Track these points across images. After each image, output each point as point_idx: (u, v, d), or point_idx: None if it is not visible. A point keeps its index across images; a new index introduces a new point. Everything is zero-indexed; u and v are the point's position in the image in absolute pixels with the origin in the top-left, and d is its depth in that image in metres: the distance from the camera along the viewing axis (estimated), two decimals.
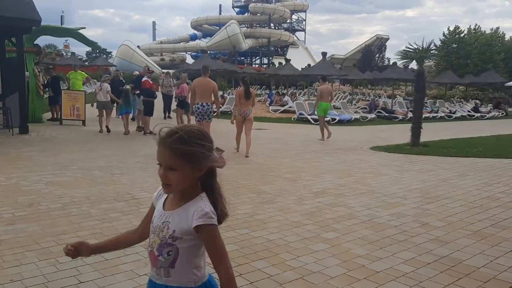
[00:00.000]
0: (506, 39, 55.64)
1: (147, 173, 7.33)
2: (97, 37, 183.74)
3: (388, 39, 77.98)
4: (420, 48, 11.85)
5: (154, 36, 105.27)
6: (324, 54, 20.76)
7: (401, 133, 15.97)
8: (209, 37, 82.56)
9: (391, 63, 67.05)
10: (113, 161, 8.41)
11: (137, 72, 15.47)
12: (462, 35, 51.59)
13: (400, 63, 11.69)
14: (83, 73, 16.11)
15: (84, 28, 15.69)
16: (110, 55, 74.52)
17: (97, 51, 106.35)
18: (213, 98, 9.73)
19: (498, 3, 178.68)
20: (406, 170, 8.23)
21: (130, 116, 13.55)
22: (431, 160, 9.54)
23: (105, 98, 12.95)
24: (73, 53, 44.05)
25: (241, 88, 10.25)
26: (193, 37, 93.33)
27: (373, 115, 21.32)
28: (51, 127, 13.73)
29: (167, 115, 17.20)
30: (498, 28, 54.46)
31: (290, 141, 12.46)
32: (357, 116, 20.46)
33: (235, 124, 10.15)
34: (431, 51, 11.72)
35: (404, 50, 11.65)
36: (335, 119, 18.65)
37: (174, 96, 15.80)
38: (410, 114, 22.03)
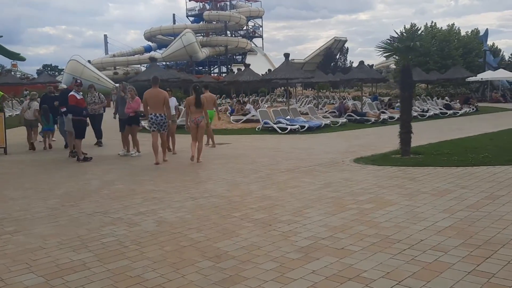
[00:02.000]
0: (462, 35, 55.84)
1: (52, 229, 4.98)
2: (49, 54, 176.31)
3: (346, 41, 77.48)
4: (405, 36, 10.00)
5: (106, 50, 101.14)
6: (286, 55, 18.79)
7: (380, 138, 14.13)
8: (164, 48, 79.73)
9: (352, 65, 66.45)
10: (13, 208, 6.00)
11: (63, 86, 12.84)
12: (419, 32, 51.16)
13: (380, 56, 9.77)
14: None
15: (1, 36, 13.06)
16: (63, 72, 70.70)
17: (48, 68, 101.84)
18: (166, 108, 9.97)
19: (444, 3, 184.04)
20: (415, 192, 6.18)
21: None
22: (436, 173, 7.57)
23: (33, 116, 13.16)
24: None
25: (191, 96, 10.16)
26: (148, 49, 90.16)
27: (344, 119, 19.47)
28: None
29: (97, 140, 13.43)
30: (453, 24, 54.52)
31: (257, 158, 10.29)
32: (327, 121, 18.54)
33: (190, 132, 10.05)
34: (418, 40, 9.82)
35: (385, 41, 9.72)
36: (304, 126, 16.66)
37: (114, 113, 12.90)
38: (382, 116, 20.47)
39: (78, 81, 11.35)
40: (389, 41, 9.74)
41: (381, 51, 9.83)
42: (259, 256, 3.90)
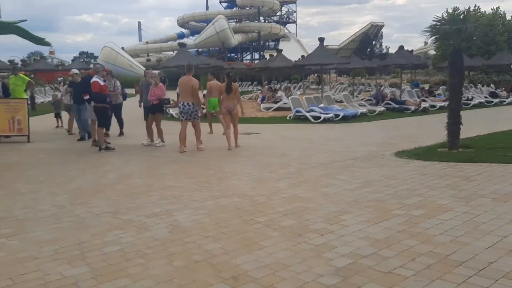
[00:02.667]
0: (508, 19, 52.82)
1: (53, 232, 4.39)
2: (86, 42, 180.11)
3: (383, 26, 74.78)
4: (458, 17, 8.94)
5: (140, 37, 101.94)
6: (321, 40, 17.77)
7: (422, 129, 13.09)
8: (197, 35, 79.41)
9: (389, 51, 64.20)
10: (18, 204, 5.47)
11: (74, 71, 12.27)
12: (461, 17, 48.62)
13: (427, 38, 8.79)
14: (25, 77, 13.05)
15: (25, 20, 12.66)
16: (97, 59, 71.59)
17: (84, 56, 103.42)
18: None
19: None
20: (471, 196, 5.28)
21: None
22: (493, 172, 6.60)
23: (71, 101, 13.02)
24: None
25: (223, 83, 10.09)
26: (181, 36, 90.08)
27: (381, 108, 18.37)
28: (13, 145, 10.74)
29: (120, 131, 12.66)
30: (498, 8, 51.60)
31: (287, 150, 9.52)
32: (364, 110, 17.50)
33: (223, 120, 10.10)
34: (470, 22, 8.72)
35: (433, 25, 8.67)
36: (339, 115, 15.71)
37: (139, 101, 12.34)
38: (423, 104, 19.22)
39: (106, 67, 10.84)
40: (437, 24, 8.70)
41: (427, 34, 8.81)
42: (285, 280, 3.16)
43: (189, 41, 79.29)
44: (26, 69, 39.05)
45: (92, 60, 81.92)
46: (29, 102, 12.21)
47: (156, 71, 11.92)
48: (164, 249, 3.85)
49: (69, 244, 4.03)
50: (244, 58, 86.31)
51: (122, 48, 67.26)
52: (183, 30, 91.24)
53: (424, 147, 9.11)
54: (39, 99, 26.85)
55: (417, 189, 5.66)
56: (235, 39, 76.04)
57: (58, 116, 15.33)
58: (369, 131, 12.87)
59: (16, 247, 4.03)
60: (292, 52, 60.30)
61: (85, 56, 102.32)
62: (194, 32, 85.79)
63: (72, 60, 74.41)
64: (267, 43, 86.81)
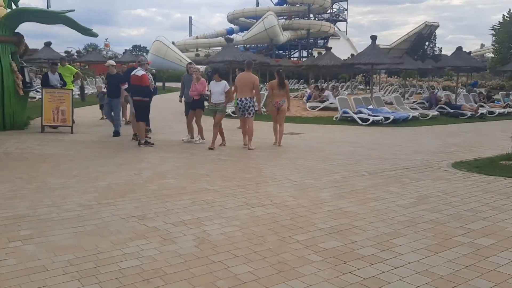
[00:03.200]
0: None
1: (72, 237, 4.03)
2: (139, 36, 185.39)
3: (438, 26, 71.54)
4: None
5: (190, 32, 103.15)
6: (373, 38, 16.87)
7: (481, 137, 12.06)
8: (246, 31, 79.36)
9: (442, 52, 61.45)
10: (44, 201, 5.19)
11: (110, 63, 11.81)
12: None
13: (491, 41, 7.90)
14: (72, 68, 13.01)
15: (73, 10, 12.62)
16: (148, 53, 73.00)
17: (137, 49, 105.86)
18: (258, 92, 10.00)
19: None
20: None
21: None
22: None
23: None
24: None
25: (275, 80, 10.06)
26: (230, 32, 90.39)
27: (435, 112, 17.27)
28: (27, 136, 10.73)
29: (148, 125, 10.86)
30: None
31: (333, 154, 8.89)
32: (416, 113, 16.50)
33: (272, 114, 10.36)
34: None
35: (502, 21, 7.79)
36: (389, 118, 14.84)
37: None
38: (480, 110, 17.93)
39: (149, 60, 10.58)
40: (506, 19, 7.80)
41: (496, 33, 7.91)
42: None
43: (238, 37, 79.37)
44: (80, 60, 40.25)
45: (145, 54, 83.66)
46: (78, 92, 12.11)
47: (200, 66, 11.65)
48: (187, 269, 3.37)
49: (86, 254, 3.64)
50: (292, 56, 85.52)
51: (173, 43, 68.24)
52: (232, 26, 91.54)
53: (485, 159, 8.23)
54: (89, 90, 27.33)
55: (482, 211, 4.92)
56: (284, 36, 75.38)
57: (102, 107, 15.33)
58: (422, 137, 11.98)
59: (30, 253, 3.68)
60: (341, 50, 59.04)
61: (137, 49, 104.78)
62: (243, 28, 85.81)
63: (123, 53, 76.41)
64: (316, 41, 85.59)
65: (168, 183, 6.26)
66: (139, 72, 9.76)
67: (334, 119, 15.73)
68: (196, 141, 10.28)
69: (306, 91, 24.55)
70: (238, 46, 53.27)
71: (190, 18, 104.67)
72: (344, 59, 22.91)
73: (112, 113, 11.37)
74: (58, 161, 7.80)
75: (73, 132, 11.40)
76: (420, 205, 5.17)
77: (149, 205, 5.12)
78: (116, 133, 11.09)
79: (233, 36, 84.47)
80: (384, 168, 7.54)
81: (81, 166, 7.36)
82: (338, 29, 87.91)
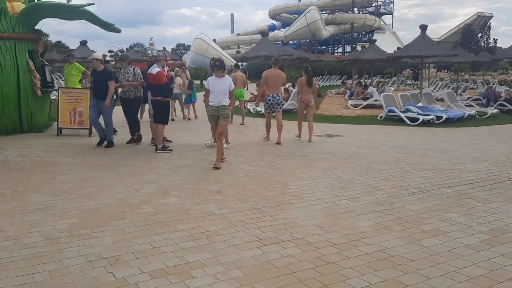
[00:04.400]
0: None
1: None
2: (184, 34, 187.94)
3: (491, 17, 67.60)
4: None
5: (232, 29, 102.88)
6: (423, 27, 15.12)
7: None
8: (288, 27, 77.87)
9: (497, 45, 57.61)
10: (6, 232, 4.16)
11: (96, 55, 9.96)
12: None
13: None
14: (80, 66, 12.09)
15: (93, 4, 11.76)
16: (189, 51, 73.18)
17: (181, 47, 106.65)
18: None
19: None
20: None
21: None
22: None
23: (178, 89, 13.42)
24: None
25: (303, 77, 10.11)
26: (272, 28, 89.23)
27: (494, 110, 15.33)
28: (38, 141, 9.93)
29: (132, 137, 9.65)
30: None
31: (375, 162, 7.49)
32: (472, 111, 14.65)
33: (298, 112, 10.52)
34: None
35: None
36: (441, 117, 13.14)
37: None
38: None
39: (167, 56, 9.53)
40: None
41: None
42: None
43: (280, 33, 78.08)
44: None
45: (188, 52, 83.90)
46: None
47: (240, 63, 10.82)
48: None
49: None
50: (335, 51, 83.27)
51: (214, 40, 67.85)
52: (274, 22, 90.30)
53: None
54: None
55: None
56: (327, 31, 73.34)
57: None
58: (482, 139, 10.29)
59: None
60: (387, 44, 56.62)
61: (182, 47, 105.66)
62: (285, 24, 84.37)
63: (180, 54, 76.76)
64: (360, 35, 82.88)
65: (168, 203, 5.11)
66: (154, 69, 8.70)
67: (378, 118, 14.17)
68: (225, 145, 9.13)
69: (346, 89, 22.93)
70: (278, 42, 51.94)
71: (232, 15, 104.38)
72: (389, 53, 21.15)
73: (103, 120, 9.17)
74: (57, 171, 6.83)
75: (91, 136, 10.51)
76: (496, 246, 3.75)
77: (133, 239, 3.98)
78: (110, 144, 9.03)
79: (275, 32, 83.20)
80: (440, 183, 6.09)
81: (78, 179, 6.35)
82: (384, 22, 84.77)
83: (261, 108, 14.93)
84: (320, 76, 36.19)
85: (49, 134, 10.72)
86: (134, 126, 9.57)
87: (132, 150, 8.80)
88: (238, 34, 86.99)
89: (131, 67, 9.27)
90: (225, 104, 7.29)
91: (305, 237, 4.01)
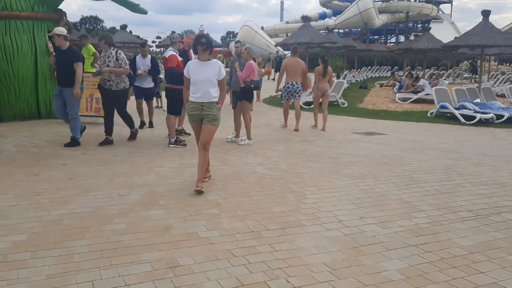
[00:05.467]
0: None
1: None
2: (235, 22, 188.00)
3: None
4: None
5: (281, 17, 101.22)
6: (486, 12, 13.30)
7: None
8: (339, 15, 75.33)
9: None
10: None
11: (58, 30, 7.30)
12: None
13: None
14: (91, 47, 11.10)
15: None
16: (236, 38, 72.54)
17: (231, 35, 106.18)
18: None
19: None
20: None
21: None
22: None
23: None
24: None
25: (320, 66, 10.01)
26: (322, 16, 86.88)
27: None
28: (47, 128, 9.25)
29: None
30: None
31: (419, 171, 6.17)
32: None
33: (314, 100, 10.40)
34: None
35: None
36: (503, 116, 11.44)
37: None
38: None
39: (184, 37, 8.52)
40: None
41: None
42: None
43: (330, 21, 75.63)
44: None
45: (233, 39, 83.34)
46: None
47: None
48: None
49: None
50: (388, 41, 79.94)
51: (262, 28, 66.70)
52: (325, 10, 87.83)
53: None
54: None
55: None
56: (380, 20, 70.21)
57: (157, 95, 13.69)
58: None
59: None
60: (444, 35, 53.40)
61: (231, 35, 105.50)
62: (337, 12, 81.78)
63: (229, 41, 76.35)
64: (415, 25, 79.00)
65: (148, 217, 4.11)
66: (168, 52, 7.75)
67: (428, 115, 12.61)
68: (240, 142, 8.08)
69: (396, 81, 21.19)
70: (326, 32, 50.01)
71: (282, 2, 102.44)
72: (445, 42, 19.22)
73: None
74: (46, 166, 6.01)
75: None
76: None
77: (75, 273, 3.00)
78: (73, 143, 7.31)
79: (325, 20, 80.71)
80: (500, 204, 4.75)
81: (64, 177, 5.49)
82: (442, 11, 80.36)
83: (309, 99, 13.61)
84: (369, 67, 34.23)
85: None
86: (126, 119, 7.91)
87: (142, 143, 7.90)
88: (287, 22, 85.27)
89: (113, 49, 7.40)
90: (212, 100, 5.07)
91: (305, 286, 2.89)
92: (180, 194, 4.86)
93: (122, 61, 7.33)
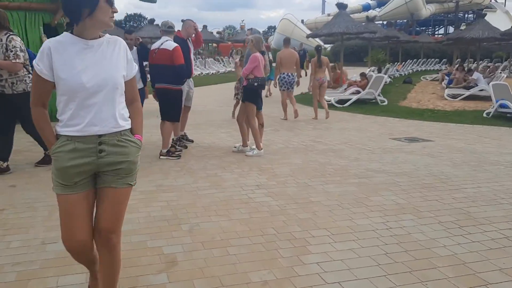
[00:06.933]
0: None
1: None
2: (278, 18, 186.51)
3: None
4: None
5: (323, 10, 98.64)
6: None
7: None
8: (383, 6, 72.14)
9: None
10: None
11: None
12: None
13: None
14: None
15: None
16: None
17: (272, 30, 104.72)
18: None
19: None
20: None
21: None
22: None
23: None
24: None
25: (315, 58, 10.18)
26: (366, 7, 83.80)
27: None
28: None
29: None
30: None
31: (478, 197, 4.44)
32: None
33: (312, 91, 10.37)
34: None
35: None
36: None
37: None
38: None
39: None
40: None
41: None
42: None
43: (374, 13, 72.61)
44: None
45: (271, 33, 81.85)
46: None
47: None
48: None
49: None
50: (436, 33, 76.03)
51: (302, 21, 64.92)
52: (369, 1, 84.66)
53: None
54: (199, 71, 25.25)
55: None
56: (427, 10, 66.61)
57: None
58: None
59: None
60: (497, 25, 49.64)
61: (273, 30, 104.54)
62: (381, 3, 78.43)
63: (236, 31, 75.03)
64: (466, 15, 74.58)
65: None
66: (169, 44, 6.19)
67: (484, 115, 10.62)
68: (248, 152, 6.57)
69: (444, 74, 18.98)
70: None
71: None
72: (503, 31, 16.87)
73: None
74: (20, 189, 4.74)
75: None
76: None
77: None
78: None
79: (369, 12, 77.60)
80: None
81: (17, 201, 4.17)
82: (495, 0, 75.40)
83: (330, 98, 12.21)
84: (415, 60, 31.73)
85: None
86: (36, 138, 5.64)
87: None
88: (329, 15, 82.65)
89: (5, 34, 5.07)
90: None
91: None
92: (122, 248, 3.40)
93: (12, 51, 5.00)
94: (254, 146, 6.65)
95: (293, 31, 58.87)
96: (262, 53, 6.40)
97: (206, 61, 29.76)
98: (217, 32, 50.59)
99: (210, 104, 13.00)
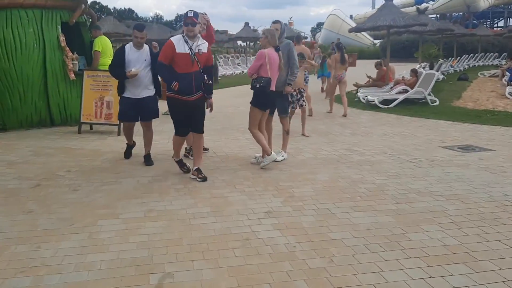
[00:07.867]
0: None
1: None
2: (327, 14, 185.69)
3: None
4: None
5: (373, 5, 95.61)
6: None
7: None
8: None
9: None
10: None
11: None
12: None
13: None
14: (103, 40, 8.82)
15: None
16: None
17: (321, 26, 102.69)
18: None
19: None
20: None
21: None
22: None
23: None
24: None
25: (337, 54, 10.06)
26: (419, 1, 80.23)
27: None
28: (40, 142, 7.51)
29: None
30: None
31: None
32: None
33: (331, 87, 10.50)
34: None
35: None
36: None
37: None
38: None
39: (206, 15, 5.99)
40: None
41: None
42: None
43: (428, 5, 69.28)
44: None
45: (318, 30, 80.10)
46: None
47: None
48: None
49: None
50: (495, 26, 71.68)
51: (351, 17, 63.11)
52: None
53: None
54: (223, 71, 24.36)
55: None
56: (485, 2, 62.67)
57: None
58: None
59: None
60: None
61: (321, 26, 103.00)
62: None
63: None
64: None
65: None
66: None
67: None
68: (264, 162, 5.60)
69: (505, 70, 17.13)
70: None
71: None
72: None
73: None
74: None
75: (120, 134, 7.78)
76: None
77: None
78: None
79: (423, 5, 74.21)
80: None
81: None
82: None
83: (373, 98, 11.11)
84: (472, 54, 29.45)
85: (72, 131, 8.30)
86: None
87: (136, 165, 5.76)
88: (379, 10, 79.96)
89: None
90: None
91: None
92: None
93: None
94: (279, 149, 5.76)
95: (341, 26, 57.26)
96: (277, 49, 5.40)
97: (248, 59, 28.98)
98: (253, 30, 49.83)
99: (243, 105, 12.11)
